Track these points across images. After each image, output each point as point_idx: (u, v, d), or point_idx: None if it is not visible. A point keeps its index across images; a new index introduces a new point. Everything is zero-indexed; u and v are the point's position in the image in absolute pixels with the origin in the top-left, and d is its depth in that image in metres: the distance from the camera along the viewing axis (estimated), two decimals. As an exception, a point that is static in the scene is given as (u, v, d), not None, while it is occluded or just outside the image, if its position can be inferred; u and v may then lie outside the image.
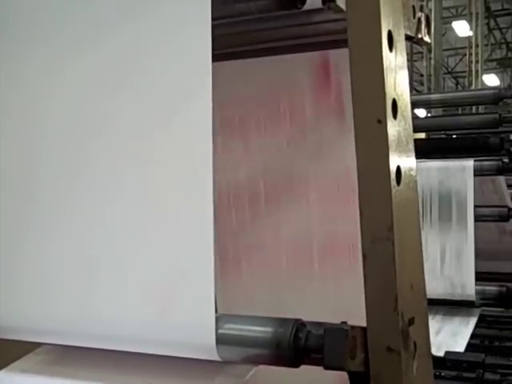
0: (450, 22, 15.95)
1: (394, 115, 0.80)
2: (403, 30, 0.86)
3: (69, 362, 0.97)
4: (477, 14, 14.27)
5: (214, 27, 0.81)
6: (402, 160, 0.81)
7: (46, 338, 0.96)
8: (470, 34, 14.92)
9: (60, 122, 0.92)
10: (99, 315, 0.88)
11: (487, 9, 15.84)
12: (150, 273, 0.85)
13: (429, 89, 12.87)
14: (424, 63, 13.60)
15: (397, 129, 0.80)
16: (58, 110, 0.92)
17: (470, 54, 14.89)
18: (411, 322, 0.80)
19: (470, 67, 15.10)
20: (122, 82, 0.88)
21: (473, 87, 14.34)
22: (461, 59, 18.09)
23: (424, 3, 11.68)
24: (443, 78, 15.76)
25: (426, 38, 1.15)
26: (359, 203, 0.77)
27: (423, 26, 1.13)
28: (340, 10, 0.86)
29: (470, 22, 14.76)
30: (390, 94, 0.79)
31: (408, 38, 1.06)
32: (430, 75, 12.97)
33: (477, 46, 14.41)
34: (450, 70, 18.63)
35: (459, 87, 19.39)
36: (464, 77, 17.53)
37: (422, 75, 14.25)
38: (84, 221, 0.89)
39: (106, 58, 0.89)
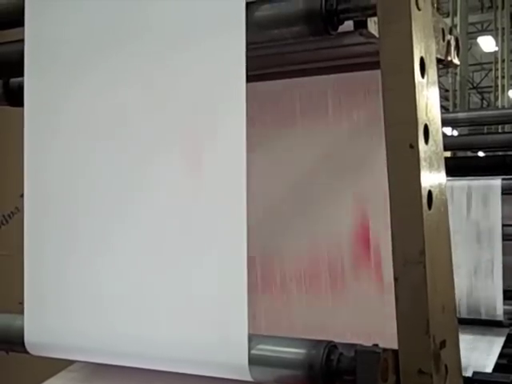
0: (476, 38, 15.85)
1: (426, 140, 0.80)
2: (434, 55, 0.87)
3: (100, 380, 0.98)
4: (503, 29, 14.18)
5: (246, 50, 0.83)
6: (433, 184, 0.82)
7: (78, 356, 0.98)
8: (496, 49, 14.83)
9: (105, 143, 0.94)
10: (130, 334, 0.90)
11: (513, 24, 15.72)
12: (183, 293, 0.87)
13: (454, 104, 12.79)
14: (449, 79, 13.52)
15: (428, 154, 0.81)
16: (103, 127, 0.94)
17: (496, 69, 14.79)
18: (443, 344, 0.80)
19: (495, 82, 15.00)
20: (156, 107, 0.90)
21: (499, 102, 14.25)
22: (486, 74, 17.95)
23: (449, 19, 11.65)
24: (468, 94, 15.63)
25: (456, 61, 1.15)
26: (391, 227, 0.78)
27: (452, 48, 1.13)
28: (372, 36, 0.87)
29: (495, 37, 14.67)
30: (422, 119, 0.80)
31: (438, 60, 1.07)
32: (455, 90, 12.89)
33: (502, 61, 14.31)
34: (475, 85, 18.49)
35: (484, 103, 19.25)
36: (489, 92, 17.41)
37: (447, 90, 14.15)
38: (118, 245, 0.91)
39: (145, 84, 0.91)
